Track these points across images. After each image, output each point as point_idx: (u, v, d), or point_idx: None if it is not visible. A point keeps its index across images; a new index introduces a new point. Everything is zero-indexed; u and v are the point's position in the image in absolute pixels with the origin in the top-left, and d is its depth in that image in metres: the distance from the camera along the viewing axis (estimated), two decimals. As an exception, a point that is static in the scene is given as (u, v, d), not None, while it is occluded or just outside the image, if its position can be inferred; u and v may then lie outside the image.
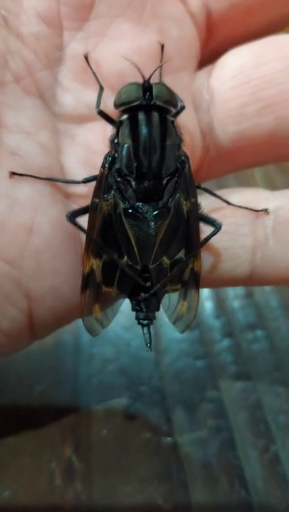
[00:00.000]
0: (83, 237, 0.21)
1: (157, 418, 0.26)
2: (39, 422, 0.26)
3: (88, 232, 0.20)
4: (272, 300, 0.32)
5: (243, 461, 0.25)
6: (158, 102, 0.21)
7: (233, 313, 0.31)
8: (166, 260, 0.21)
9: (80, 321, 0.28)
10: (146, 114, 0.20)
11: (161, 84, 0.21)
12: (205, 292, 0.32)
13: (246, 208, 0.22)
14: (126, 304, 0.22)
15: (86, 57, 0.22)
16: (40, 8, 0.21)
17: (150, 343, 0.21)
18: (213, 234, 0.21)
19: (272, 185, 0.38)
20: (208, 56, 0.25)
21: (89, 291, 0.21)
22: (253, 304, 0.32)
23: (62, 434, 0.25)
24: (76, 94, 0.22)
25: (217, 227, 0.21)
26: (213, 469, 0.24)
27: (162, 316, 0.28)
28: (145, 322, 0.21)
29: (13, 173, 0.20)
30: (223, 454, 0.25)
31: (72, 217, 0.20)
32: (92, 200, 0.21)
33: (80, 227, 0.20)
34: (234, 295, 0.32)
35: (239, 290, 0.32)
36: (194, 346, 0.29)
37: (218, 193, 0.23)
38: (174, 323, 0.22)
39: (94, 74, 0.22)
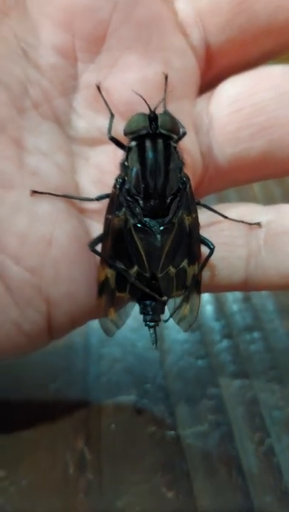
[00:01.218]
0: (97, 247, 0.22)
1: (162, 413, 0.27)
2: (53, 417, 0.26)
3: (103, 254, 0.22)
4: (268, 304, 0.32)
5: (240, 453, 0.25)
6: (162, 131, 0.22)
7: (232, 316, 0.32)
8: (172, 269, 0.22)
9: (89, 325, 0.29)
10: (152, 141, 0.22)
11: (165, 114, 0.23)
12: (206, 297, 0.32)
13: (241, 222, 0.24)
14: (131, 307, 0.23)
15: (98, 87, 0.23)
16: (56, 42, 0.23)
17: (156, 343, 0.23)
18: (210, 255, 0.22)
19: (270, 196, 0.38)
20: (208, 83, 0.26)
21: (104, 296, 0.22)
22: (251, 307, 0.32)
23: (74, 428, 0.26)
24: (89, 120, 0.23)
25: (211, 248, 0.22)
26: (213, 460, 0.25)
27: (166, 318, 0.29)
28: (152, 324, 0.23)
29: (34, 191, 0.21)
30: (222, 446, 0.26)
31: (92, 245, 0.22)
32: (105, 217, 0.22)
33: (99, 253, 0.22)
34: (233, 299, 0.33)
35: (237, 295, 0.33)
36: (196, 347, 0.30)
37: (216, 208, 0.24)
38: (178, 323, 0.23)
39: (105, 102, 0.23)
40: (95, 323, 0.29)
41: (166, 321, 0.23)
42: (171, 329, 0.30)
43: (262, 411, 0.27)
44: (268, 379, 0.28)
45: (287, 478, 0.24)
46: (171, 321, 0.24)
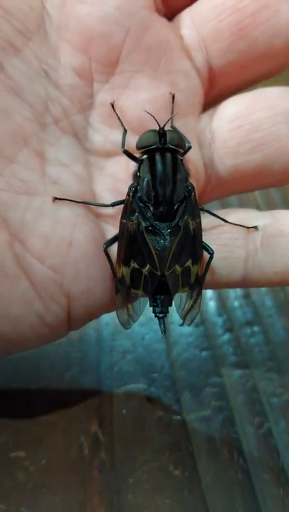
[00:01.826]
0: (113, 248, 0.24)
1: (168, 400, 0.28)
2: (69, 403, 0.27)
3: (111, 263, 0.23)
4: (267, 300, 0.33)
5: (241, 436, 0.26)
6: (170, 145, 0.24)
7: (233, 312, 0.33)
8: (178, 268, 0.24)
9: (101, 319, 0.30)
10: (162, 155, 0.24)
11: (173, 130, 0.24)
12: (209, 294, 0.33)
13: (240, 225, 0.25)
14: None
15: (112, 105, 0.25)
16: (74, 64, 0.24)
17: (164, 332, 0.24)
18: (210, 260, 0.24)
19: (269, 202, 0.39)
20: (211, 101, 0.27)
21: (120, 293, 0.24)
22: (251, 303, 0.33)
23: (88, 413, 0.27)
24: (104, 134, 0.25)
25: (211, 253, 0.24)
26: (216, 442, 0.26)
27: (172, 314, 0.30)
28: (161, 315, 0.24)
29: (56, 198, 0.23)
30: (225, 430, 0.27)
31: (107, 245, 0.23)
32: (120, 221, 0.24)
33: (108, 256, 0.23)
34: (234, 296, 0.33)
35: (238, 292, 0.34)
36: (200, 339, 0.31)
37: (218, 213, 0.25)
38: (182, 318, 0.25)
39: (119, 118, 0.25)
40: (106, 318, 0.31)
41: (181, 324, 0.26)
42: (177, 324, 0.31)
43: (261, 398, 0.28)
44: (267, 369, 0.29)
45: (283, 458, 0.25)
46: (177, 316, 0.25)
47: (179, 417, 0.27)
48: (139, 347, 0.31)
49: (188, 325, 0.25)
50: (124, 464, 0.25)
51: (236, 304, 0.33)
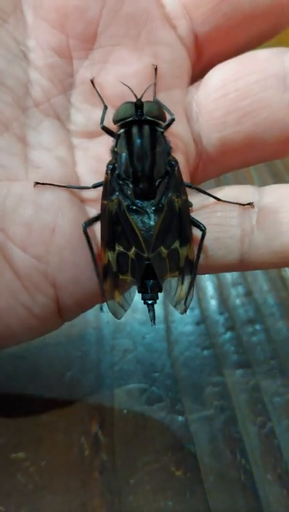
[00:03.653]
0: (97, 233, 0.23)
1: (170, 399, 0.28)
2: (69, 403, 0.27)
3: (90, 245, 0.22)
4: (269, 299, 0.33)
5: (243, 435, 0.26)
6: (148, 117, 0.22)
7: (235, 310, 0.33)
8: (163, 250, 0.22)
9: (101, 318, 0.30)
10: (139, 127, 0.22)
11: (151, 101, 0.23)
12: (210, 292, 0.33)
13: (234, 203, 0.23)
14: (141, 302, 0.23)
15: (92, 82, 0.24)
16: (52, 43, 0.23)
17: (154, 320, 0.23)
18: (203, 237, 0.22)
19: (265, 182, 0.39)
20: (201, 72, 0.25)
21: (108, 280, 0.22)
22: (253, 301, 0.33)
23: (89, 413, 0.27)
24: (87, 114, 0.24)
25: (203, 229, 0.22)
26: (218, 442, 0.26)
27: (173, 312, 0.30)
28: (150, 302, 0.23)
29: (37, 183, 0.22)
30: (227, 430, 0.26)
31: (86, 225, 0.22)
32: (101, 202, 0.23)
33: (88, 237, 0.22)
34: (236, 294, 0.33)
35: (240, 290, 0.33)
36: (201, 338, 0.31)
37: (210, 191, 0.24)
38: (174, 306, 0.23)
39: (99, 95, 0.24)
40: (106, 317, 0.31)
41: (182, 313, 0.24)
42: (178, 322, 0.31)
43: (263, 397, 0.28)
44: (269, 368, 0.29)
45: (286, 458, 0.25)
46: (178, 314, 0.24)
47: (180, 416, 0.27)
48: (139, 346, 0.30)
49: (182, 313, 0.23)
50: (126, 465, 0.25)
51: (238, 302, 0.33)
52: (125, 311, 0.23)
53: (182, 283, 0.23)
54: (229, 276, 0.35)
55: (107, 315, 0.28)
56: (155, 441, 0.26)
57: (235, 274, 0.35)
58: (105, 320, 0.31)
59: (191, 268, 0.23)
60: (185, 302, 0.23)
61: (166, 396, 0.28)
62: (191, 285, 0.23)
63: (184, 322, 0.30)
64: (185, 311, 0.23)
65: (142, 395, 0.28)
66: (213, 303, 0.33)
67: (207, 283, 0.35)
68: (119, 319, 0.23)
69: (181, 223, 0.23)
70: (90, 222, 0.22)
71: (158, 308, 0.32)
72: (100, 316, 0.25)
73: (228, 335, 0.31)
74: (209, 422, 0.27)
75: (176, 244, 0.23)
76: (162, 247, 0.22)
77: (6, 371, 0.29)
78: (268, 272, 0.35)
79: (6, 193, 0.22)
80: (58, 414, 0.27)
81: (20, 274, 0.22)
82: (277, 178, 0.41)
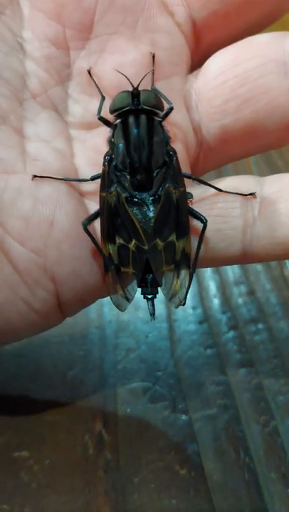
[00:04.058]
0: (97, 226, 0.22)
1: (173, 398, 0.28)
2: (73, 402, 0.27)
3: (94, 241, 0.22)
4: (272, 298, 0.33)
5: (247, 434, 0.26)
6: (145, 106, 0.22)
7: (238, 309, 0.32)
8: (159, 242, 0.22)
9: (104, 317, 0.30)
10: (135, 117, 0.22)
11: (148, 90, 0.23)
12: (212, 290, 0.33)
13: (235, 193, 0.23)
14: (144, 301, 0.23)
15: (89, 72, 0.23)
16: (49, 34, 0.23)
17: (153, 315, 0.22)
18: (204, 230, 0.22)
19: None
20: (200, 61, 0.25)
21: (110, 273, 0.22)
22: (255, 300, 0.33)
23: (92, 412, 0.27)
24: (84, 105, 0.24)
25: (204, 221, 0.22)
26: (222, 441, 0.26)
27: (176, 311, 0.30)
28: (150, 296, 0.22)
29: (35, 176, 0.22)
30: (230, 429, 0.26)
31: (86, 223, 0.22)
32: (100, 195, 0.22)
33: (89, 233, 0.22)
34: (238, 293, 0.33)
35: (243, 289, 0.33)
36: (204, 337, 0.31)
37: (211, 182, 0.23)
38: (169, 300, 0.23)
39: (96, 85, 0.23)
40: (109, 316, 0.31)
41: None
42: (181, 321, 0.31)
43: (266, 396, 0.28)
44: (272, 367, 0.29)
45: None
46: (180, 313, 0.25)
47: (184, 415, 0.27)
48: (142, 345, 0.30)
49: (176, 307, 0.23)
50: (130, 464, 0.25)
51: (240, 301, 0.33)
52: (129, 302, 0.23)
53: (178, 276, 0.22)
54: (231, 275, 0.35)
55: (109, 314, 0.28)
56: (159, 440, 0.26)
57: (237, 272, 0.35)
58: (108, 319, 0.31)
59: (187, 262, 0.22)
60: (180, 296, 0.22)
61: (170, 395, 0.28)
62: (190, 279, 0.23)
63: (187, 321, 0.30)
64: (181, 305, 0.23)
65: (145, 394, 0.28)
66: (215, 302, 0.33)
67: (210, 282, 0.34)
68: (123, 311, 0.23)
69: (178, 215, 0.22)
70: (90, 219, 0.22)
71: (161, 306, 0.32)
72: (102, 315, 0.25)
73: (231, 334, 0.31)
74: (212, 421, 0.27)
75: (173, 236, 0.22)
76: (158, 240, 0.22)
77: (9, 370, 0.29)
78: (270, 271, 0.35)
79: (3, 187, 0.22)
80: (61, 413, 0.27)
81: (19, 269, 0.22)
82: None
